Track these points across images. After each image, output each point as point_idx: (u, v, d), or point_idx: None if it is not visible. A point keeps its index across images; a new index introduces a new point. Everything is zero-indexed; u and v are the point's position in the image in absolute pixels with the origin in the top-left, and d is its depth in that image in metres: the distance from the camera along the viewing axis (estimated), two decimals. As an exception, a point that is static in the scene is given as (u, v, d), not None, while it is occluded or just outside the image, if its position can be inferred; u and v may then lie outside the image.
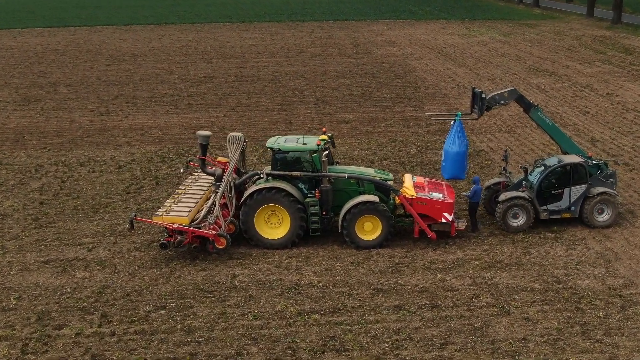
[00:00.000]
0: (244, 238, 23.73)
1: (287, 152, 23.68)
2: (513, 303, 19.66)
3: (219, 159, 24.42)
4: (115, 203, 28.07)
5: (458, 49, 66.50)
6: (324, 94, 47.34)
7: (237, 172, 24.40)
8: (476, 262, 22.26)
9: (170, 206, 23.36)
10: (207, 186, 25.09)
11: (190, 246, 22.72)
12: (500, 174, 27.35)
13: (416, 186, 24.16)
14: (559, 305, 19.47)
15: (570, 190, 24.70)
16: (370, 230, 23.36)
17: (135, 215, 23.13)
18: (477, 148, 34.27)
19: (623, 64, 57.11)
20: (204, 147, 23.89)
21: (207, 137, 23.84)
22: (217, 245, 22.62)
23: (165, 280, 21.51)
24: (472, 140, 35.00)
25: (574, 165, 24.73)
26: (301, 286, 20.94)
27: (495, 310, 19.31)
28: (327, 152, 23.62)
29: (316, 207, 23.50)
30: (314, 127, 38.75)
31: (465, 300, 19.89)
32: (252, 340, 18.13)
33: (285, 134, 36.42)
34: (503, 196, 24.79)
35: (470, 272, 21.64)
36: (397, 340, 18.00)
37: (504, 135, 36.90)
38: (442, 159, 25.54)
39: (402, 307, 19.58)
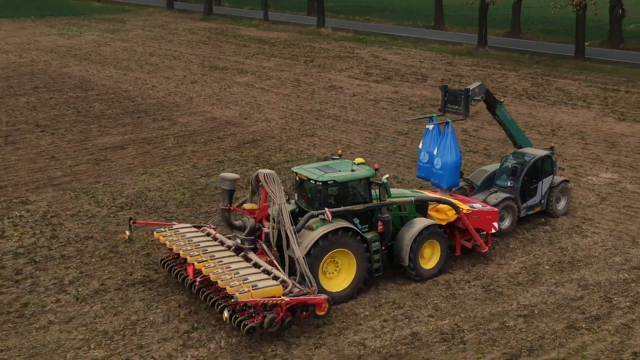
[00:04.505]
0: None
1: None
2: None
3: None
4: None
5: (92, 52, 62.89)
6: (12, 117, 40.60)
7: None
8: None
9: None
10: None
11: None
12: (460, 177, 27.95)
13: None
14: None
15: (542, 183, 26.90)
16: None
17: None
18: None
19: (291, 55, 61.41)
20: None
21: None
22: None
23: None
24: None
25: (545, 158, 26.83)
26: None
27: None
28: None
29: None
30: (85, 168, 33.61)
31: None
32: None
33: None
34: (493, 199, 25.52)
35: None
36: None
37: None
38: (437, 168, 25.33)
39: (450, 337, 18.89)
